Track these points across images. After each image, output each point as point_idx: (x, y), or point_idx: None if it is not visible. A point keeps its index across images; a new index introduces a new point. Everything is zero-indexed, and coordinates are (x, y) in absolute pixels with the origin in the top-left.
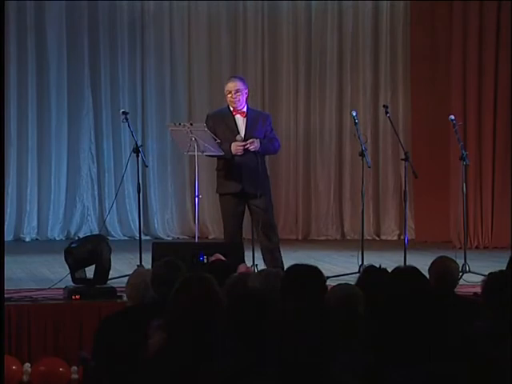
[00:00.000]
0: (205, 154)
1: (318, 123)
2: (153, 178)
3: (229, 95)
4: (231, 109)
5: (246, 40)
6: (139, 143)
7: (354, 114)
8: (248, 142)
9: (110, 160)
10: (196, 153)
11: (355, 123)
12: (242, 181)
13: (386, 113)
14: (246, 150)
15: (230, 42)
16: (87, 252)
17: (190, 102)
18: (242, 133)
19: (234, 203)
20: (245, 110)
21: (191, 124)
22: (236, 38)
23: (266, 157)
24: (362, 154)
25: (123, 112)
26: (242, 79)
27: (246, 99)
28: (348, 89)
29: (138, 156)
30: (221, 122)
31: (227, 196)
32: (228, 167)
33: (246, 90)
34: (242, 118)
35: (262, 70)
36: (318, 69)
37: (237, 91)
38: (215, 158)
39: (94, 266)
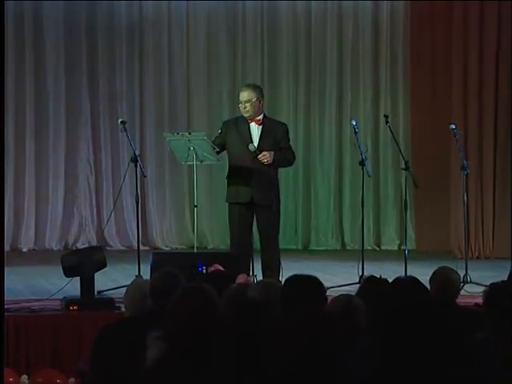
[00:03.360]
0: (204, 163)
1: (318, 132)
2: (151, 188)
3: (240, 105)
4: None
5: (245, 48)
6: (137, 153)
7: (354, 123)
8: (261, 154)
9: (108, 170)
10: (195, 162)
11: (355, 132)
12: (252, 191)
13: (387, 122)
14: (258, 160)
15: (228, 51)
16: (72, 264)
17: (188, 110)
18: (256, 142)
19: (243, 214)
20: (260, 118)
21: (189, 133)
22: (235, 46)
23: None
24: (362, 164)
25: (121, 121)
26: (255, 87)
27: (261, 107)
28: (348, 97)
29: (136, 166)
30: (234, 129)
31: (236, 206)
32: (238, 176)
33: (260, 99)
34: (257, 126)
35: (262, 78)
36: (317, 77)
37: (247, 101)
38: (223, 165)
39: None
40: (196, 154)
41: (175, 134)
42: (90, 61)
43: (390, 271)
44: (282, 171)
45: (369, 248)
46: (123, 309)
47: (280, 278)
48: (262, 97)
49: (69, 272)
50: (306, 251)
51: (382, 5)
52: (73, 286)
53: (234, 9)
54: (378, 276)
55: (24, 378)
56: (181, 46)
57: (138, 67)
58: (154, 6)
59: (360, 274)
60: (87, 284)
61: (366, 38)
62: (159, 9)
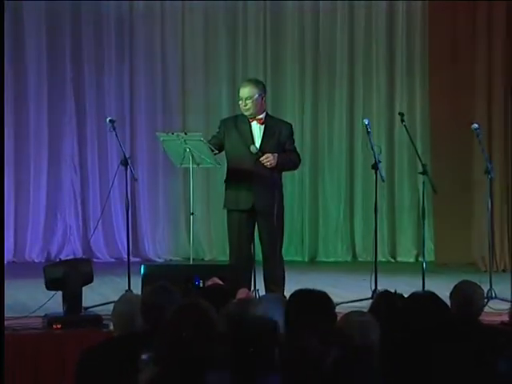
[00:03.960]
0: (201, 166)
1: (327, 132)
2: (142, 193)
3: (240, 102)
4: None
5: (246, 41)
6: (127, 154)
7: (367, 123)
8: (264, 157)
9: (95, 173)
10: (191, 165)
11: (368, 132)
12: (254, 197)
13: (402, 121)
14: (260, 163)
15: (228, 43)
16: (56, 276)
17: (184, 109)
18: (258, 142)
19: (243, 222)
20: (262, 116)
21: (185, 133)
22: (235, 40)
23: None
24: (375, 167)
25: (110, 120)
26: (256, 83)
27: (263, 104)
28: (360, 94)
29: (126, 169)
30: (233, 129)
31: (236, 213)
32: (238, 180)
33: (262, 95)
34: (258, 125)
35: (264, 74)
36: (326, 72)
37: (248, 98)
38: (222, 169)
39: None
40: (192, 156)
41: (169, 133)
42: (74, 55)
43: (405, 285)
44: (286, 175)
45: (383, 260)
46: (111, 327)
47: (284, 293)
48: (265, 93)
49: (52, 285)
50: (314, 263)
51: None
52: (56, 302)
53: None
54: (393, 291)
55: None
56: (175, 40)
57: (127, 62)
58: None
59: (373, 288)
60: (73, 299)
61: (379, 32)
62: None
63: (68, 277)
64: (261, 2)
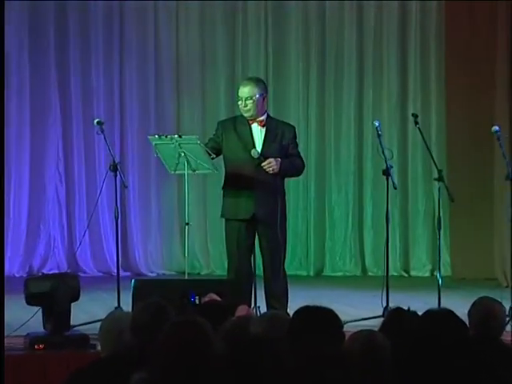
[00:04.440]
0: (197, 172)
1: (333, 135)
2: (133, 202)
3: (239, 102)
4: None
5: (245, 36)
6: (117, 159)
7: (377, 125)
8: (265, 162)
9: (81, 180)
10: (186, 171)
11: (378, 135)
12: (254, 205)
13: (416, 123)
14: (261, 169)
15: (226, 39)
16: (41, 291)
17: (178, 111)
18: (259, 146)
19: (243, 233)
20: (263, 118)
21: (180, 136)
22: (234, 34)
23: None
24: (386, 173)
25: (98, 121)
26: (257, 82)
27: (265, 105)
28: (369, 94)
29: (115, 175)
30: (232, 132)
31: (235, 223)
32: (238, 187)
33: (264, 95)
34: (259, 127)
35: (266, 72)
36: (333, 70)
37: (248, 98)
38: (219, 175)
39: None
40: (187, 161)
41: (163, 136)
42: (59, 51)
43: (420, 302)
44: (289, 182)
45: (395, 274)
46: (99, 347)
47: (288, 310)
48: (266, 93)
49: (35, 300)
50: (319, 278)
51: None
52: (38, 320)
53: None
54: (406, 308)
55: None
56: (169, 35)
57: (117, 60)
58: None
59: (384, 305)
60: (61, 316)
61: (390, 26)
62: None
63: (56, 291)
64: None
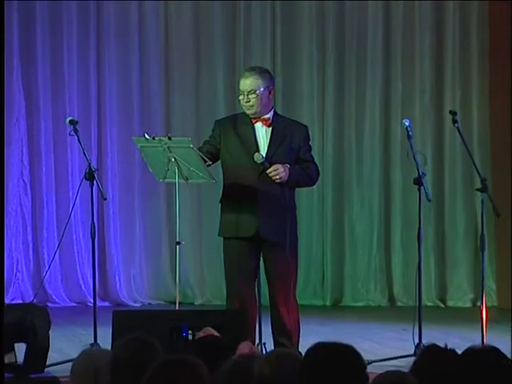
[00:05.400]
0: (190, 181)
1: (355, 138)
2: (114, 216)
3: (241, 97)
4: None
5: (248, 19)
6: (94, 166)
7: (407, 124)
8: (271, 168)
9: (50, 190)
10: (177, 180)
11: (409, 137)
12: (258, 221)
13: (454, 122)
14: (267, 177)
15: (225, 22)
16: (13, 323)
17: (167, 107)
18: (264, 150)
19: (245, 254)
20: (269, 116)
21: (169, 138)
22: (234, 17)
23: None
24: (418, 182)
25: (71, 121)
26: (262, 73)
27: (271, 100)
28: (398, 88)
29: (92, 184)
30: (232, 133)
31: (235, 242)
32: (238, 199)
33: (270, 88)
34: (264, 127)
35: (273, 61)
36: (353, 58)
37: (251, 92)
38: (217, 185)
39: (23, 344)
40: (179, 168)
41: (149, 138)
42: (25, 38)
43: (459, 338)
44: (301, 193)
45: (429, 304)
46: None
47: (299, 348)
48: (273, 86)
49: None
50: (338, 308)
51: None
52: None
53: None
54: (443, 345)
55: None
56: (157, 17)
57: (94, 45)
58: None
59: (416, 341)
60: (34, 354)
61: (423, 7)
62: None
63: (28, 323)
64: None
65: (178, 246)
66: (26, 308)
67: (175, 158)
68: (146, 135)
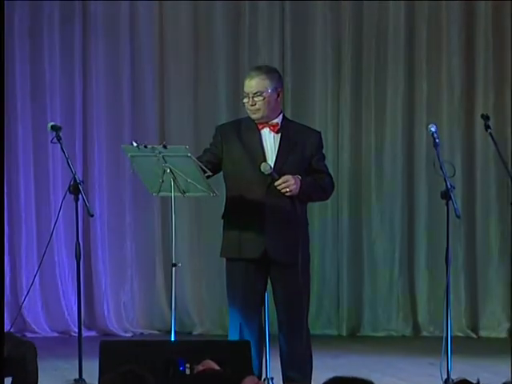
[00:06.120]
0: (188, 195)
1: (374, 143)
2: (101, 235)
3: (245, 100)
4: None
5: (254, 11)
6: (79, 177)
7: (434, 130)
8: (280, 180)
9: (29, 205)
10: (173, 193)
11: (435, 144)
12: (266, 239)
13: (487, 127)
14: (275, 189)
15: (228, 15)
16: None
17: (162, 113)
18: (272, 159)
19: (250, 276)
20: (278, 121)
21: (164, 146)
22: (239, 9)
23: None
24: (446, 196)
25: (53, 126)
26: (269, 72)
27: (279, 103)
28: (423, 88)
29: (76, 198)
30: (236, 140)
31: (239, 264)
32: (243, 215)
33: (278, 90)
34: (272, 133)
35: (281, 60)
36: (373, 56)
37: (257, 94)
38: (219, 199)
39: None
40: (175, 180)
41: (141, 146)
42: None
43: (492, 373)
44: (313, 208)
45: (459, 334)
46: None
47: (312, 383)
48: (282, 87)
49: None
50: (355, 339)
51: None
52: None
53: None
54: (476, 381)
55: None
56: (150, 9)
57: (79, 41)
58: None
59: (444, 377)
60: None
61: (451, 8)
62: None
63: (21, 356)
64: None
65: (174, 269)
66: (17, 340)
67: (171, 169)
68: (134, 143)
